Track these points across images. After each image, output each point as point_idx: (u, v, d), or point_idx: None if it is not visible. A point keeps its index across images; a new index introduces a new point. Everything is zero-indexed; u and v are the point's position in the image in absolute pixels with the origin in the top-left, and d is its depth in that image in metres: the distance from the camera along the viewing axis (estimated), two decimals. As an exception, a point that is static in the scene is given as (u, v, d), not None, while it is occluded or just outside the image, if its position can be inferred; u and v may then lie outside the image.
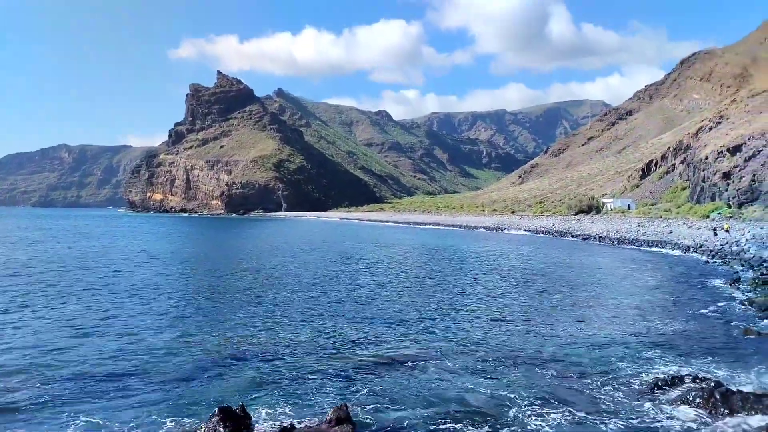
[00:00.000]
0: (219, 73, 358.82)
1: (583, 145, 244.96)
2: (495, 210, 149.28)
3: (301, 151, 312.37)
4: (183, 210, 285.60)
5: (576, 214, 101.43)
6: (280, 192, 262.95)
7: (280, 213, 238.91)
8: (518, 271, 34.14)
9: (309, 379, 12.89)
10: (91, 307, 21.30)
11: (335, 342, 16.18)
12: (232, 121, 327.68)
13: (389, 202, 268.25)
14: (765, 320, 18.60)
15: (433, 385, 12.41)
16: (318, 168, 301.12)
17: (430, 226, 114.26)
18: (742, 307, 20.96)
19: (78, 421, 10.49)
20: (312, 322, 18.93)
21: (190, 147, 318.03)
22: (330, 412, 10.15)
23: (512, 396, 11.61)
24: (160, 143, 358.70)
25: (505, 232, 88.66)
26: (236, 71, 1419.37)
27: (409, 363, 14.04)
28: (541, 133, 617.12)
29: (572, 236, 71.01)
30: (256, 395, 11.87)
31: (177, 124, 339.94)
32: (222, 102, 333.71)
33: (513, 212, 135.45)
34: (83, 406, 11.24)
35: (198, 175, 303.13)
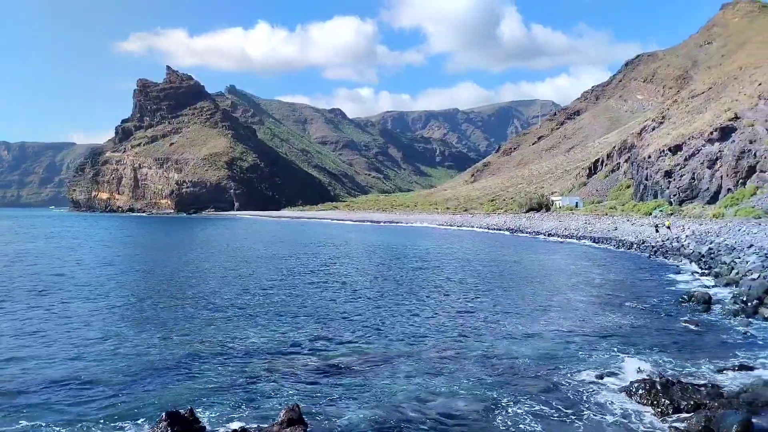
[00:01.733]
0: (168, 68, 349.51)
1: (533, 144, 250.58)
2: (448, 208, 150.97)
3: (254, 149, 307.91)
4: (131, 209, 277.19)
5: (527, 211, 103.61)
6: (232, 191, 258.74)
7: (232, 212, 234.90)
8: (470, 269, 34.66)
9: (262, 381, 12.77)
10: (33, 312, 20.46)
11: (289, 344, 16.06)
12: (183, 118, 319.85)
13: (344, 201, 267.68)
14: (703, 313, 19.49)
15: (386, 385, 12.48)
16: (271, 166, 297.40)
17: (385, 224, 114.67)
18: (682, 300, 21.88)
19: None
20: (265, 324, 18.74)
21: (138, 144, 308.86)
22: (282, 413, 10.07)
23: (463, 395, 11.79)
24: (106, 140, 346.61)
25: (458, 229, 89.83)
26: (186, 67, 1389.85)
27: (363, 363, 14.09)
28: (493, 132, 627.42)
29: (523, 233, 72.58)
30: (207, 399, 11.67)
31: (124, 121, 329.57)
32: (171, 98, 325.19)
33: (466, 210, 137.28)
34: (22, 415, 10.79)
35: (146, 174, 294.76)
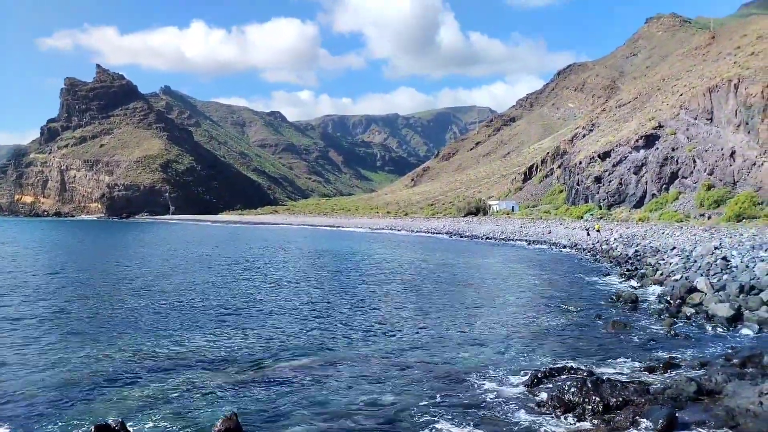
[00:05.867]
0: (98, 66, 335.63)
1: (471, 149, 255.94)
2: (389, 212, 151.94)
3: (191, 151, 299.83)
4: (57, 213, 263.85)
5: (465, 215, 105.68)
6: (167, 194, 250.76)
7: (167, 216, 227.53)
8: (409, 274, 34.96)
9: (199, 391, 12.40)
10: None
11: (229, 353, 15.69)
12: (114, 118, 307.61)
13: (284, 205, 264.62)
14: (630, 313, 20.40)
15: (327, 393, 12.41)
16: (209, 169, 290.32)
17: (326, 229, 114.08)
18: (611, 300, 22.85)
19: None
20: (202, 333, 18.24)
21: (66, 145, 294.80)
22: (218, 423, 9.83)
23: (402, 403, 11.84)
24: (30, 141, 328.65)
25: (399, 233, 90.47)
26: (118, 65, 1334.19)
27: (304, 371, 13.94)
28: (432, 137, 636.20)
29: (462, 237, 73.90)
30: (141, 411, 11.23)
31: (50, 121, 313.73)
32: (102, 98, 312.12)
33: (406, 214, 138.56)
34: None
35: (75, 176, 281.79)
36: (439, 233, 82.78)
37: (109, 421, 9.51)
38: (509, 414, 11.00)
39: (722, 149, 57.52)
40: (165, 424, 10.63)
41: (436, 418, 10.87)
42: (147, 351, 15.70)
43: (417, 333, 18.11)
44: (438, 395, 12.11)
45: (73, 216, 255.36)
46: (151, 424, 10.55)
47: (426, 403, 11.68)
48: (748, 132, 53.72)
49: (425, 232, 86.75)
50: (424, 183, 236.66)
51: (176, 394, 12.18)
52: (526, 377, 12.91)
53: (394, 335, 17.86)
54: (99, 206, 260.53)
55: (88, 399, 11.99)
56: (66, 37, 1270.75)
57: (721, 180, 56.59)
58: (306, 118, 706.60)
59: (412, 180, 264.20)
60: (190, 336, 17.55)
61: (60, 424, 10.70)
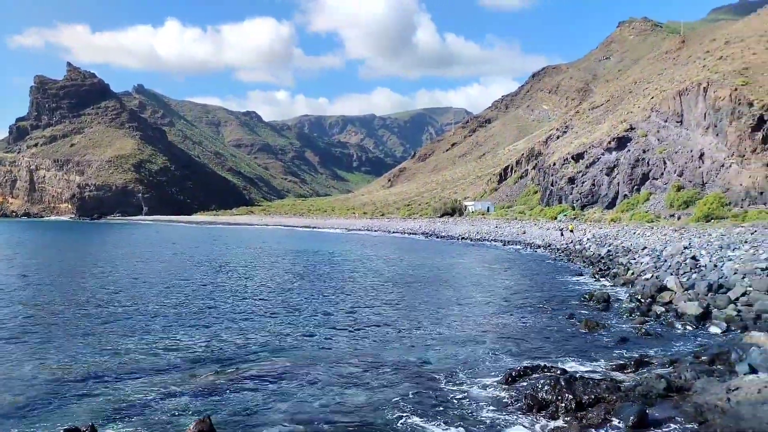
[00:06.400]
0: (69, 64, 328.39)
1: (447, 150, 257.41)
2: (365, 213, 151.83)
3: (164, 151, 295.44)
4: (26, 214, 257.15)
5: (441, 216, 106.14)
6: (140, 195, 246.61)
7: (140, 217, 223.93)
8: (385, 274, 34.99)
9: (172, 394, 12.23)
10: None
11: (202, 354, 15.50)
12: (85, 117, 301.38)
13: (260, 205, 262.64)
14: (603, 312, 20.71)
15: (300, 394, 12.34)
16: (183, 169, 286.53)
17: (302, 229, 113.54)
18: (584, 300, 23.17)
19: None
20: (175, 335, 17.99)
21: (35, 145, 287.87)
22: (192, 426, 9.71)
23: (375, 403, 11.83)
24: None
25: (376, 234, 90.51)
26: (89, 64, 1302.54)
27: (278, 372, 13.85)
28: (408, 138, 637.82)
29: (438, 237, 74.24)
30: (112, 415, 11.03)
31: (19, 120, 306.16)
32: (73, 96, 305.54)
33: (383, 215, 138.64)
34: None
35: (44, 176, 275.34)
36: (415, 234, 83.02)
37: (80, 426, 9.33)
38: (483, 413, 11.07)
39: (692, 151, 58.76)
40: (137, 427, 10.46)
41: (409, 418, 10.88)
42: (118, 354, 15.42)
43: (391, 332, 18.12)
44: (412, 395, 12.14)
45: (42, 216, 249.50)
46: (122, 428, 10.37)
47: (400, 402, 11.69)
48: (717, 134, 54.96)
49: (401, 233, 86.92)
50: (401, 184, 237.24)
51: (149, 397, 11.99)
52: (501, 376, 13.02)
53: (368, 335, 17.84)
54: (69, 207, 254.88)
55: (57, 403, 11.73)
56: (36, 35, 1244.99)
57: (690, 181, 57.80)
58: (282, 118, 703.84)
59: (389, 181, 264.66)
60: (162, 338, 17.29)
61: (28, 430, 10.44)
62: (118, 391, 12.37)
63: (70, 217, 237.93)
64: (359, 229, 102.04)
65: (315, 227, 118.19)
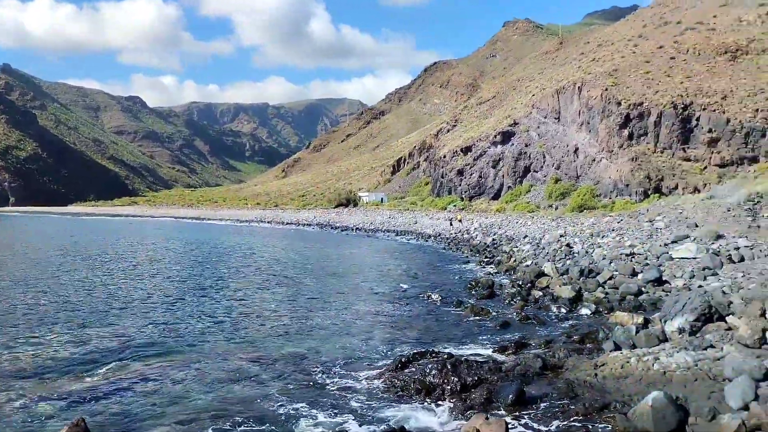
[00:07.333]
0: None
1: (342, 141, 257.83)
2: (259, 203, 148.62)
3: (35, 136, 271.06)
4: None
5: (336, 207, 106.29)
6: (7, 184, 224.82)
7: (7, 208, 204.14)
8: (277, 266, 34.48)
9: (44, 398, 11.29)
10: None
11: (78, 355, 14.41)
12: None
13: (144, 196, 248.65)
14: (488, 298, 21.73)
15: (184, 392, 11.84)
16: (56, 156, 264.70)
17: (191, 221, 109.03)
18: (470, 287, 24.20)
19: None
20: (46, 335, 16.59)
21: None
22: (64, 429, 9.06)
23: (265, 397, 11.61)
24: None
25: (268, 225, 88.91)
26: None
27: (161, 370, 13.21)
28: (303, 128, 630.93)
29: (333, 228, 74.28)
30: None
31: None
32: None
33: (276, 206, 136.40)
34: None
35: None
36: (309, 225, 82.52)
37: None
38: (374, 400, 11.24)
39: (568, 146, 63.14)
40: (-2, 438, 9.57)
41: (300, 410, 10.81)
42: (-23, 359, 13.99)
43: (282, 325, 17.90)
44: (302, 386, 12.07)
45: None
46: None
47: (291, 395, 11.58)
48: (590, 131, 59.44)
49: (296, 224, 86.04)
50: (295, 174, 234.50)
51: (17, 404, 11.00)
52: (390, 362, 13.29)
53: (258, 328, 17.49)
54: None
55: None
56: None
57: (566, 174, 62.13)
58: (169, 104, 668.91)
59: (283, 171, 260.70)
60: (30, 339, 15.89)
61: None
62: (-24, 400, 11.23)
63: None
64: (252, 221, 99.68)
65: (205, 219, 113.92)
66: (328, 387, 12.03)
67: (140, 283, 26.85)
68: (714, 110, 49.67)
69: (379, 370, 12.95)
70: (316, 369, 13.19)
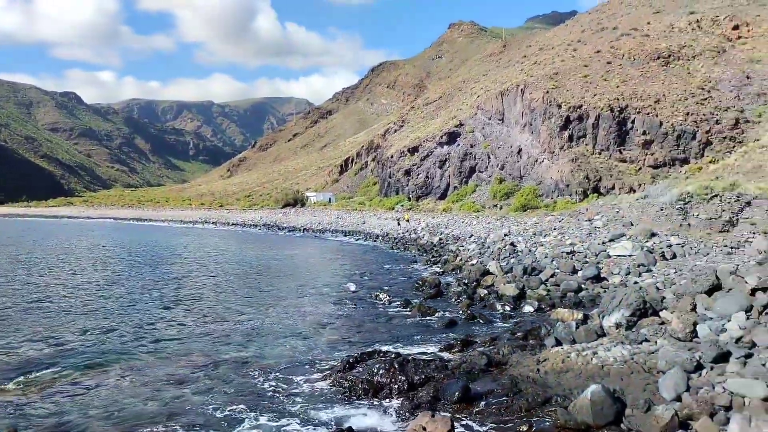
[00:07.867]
0: None
1: (289, 140, 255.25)
2: (203, 204, 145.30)
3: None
4: None
5: (283, 207, 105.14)
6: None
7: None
8: (221, 269, 33.81)
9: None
10: None
11: (8, 364, 13.70)
12: None
13: (81, 196, 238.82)
14: (434, 297, 21.98)
15: (126, 400, 11.44)
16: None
17: (131, 222, 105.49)
18: (417, 286, 24.41)
19: None
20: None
21: None
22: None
23: (210, 403, 11.36)
24: None
25: (213, 226, 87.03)
26: None
27: (100, 378, 12.71)
28: (249, 127, 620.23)
29: (279, 229, 73.41)
30: None
31: None
32: None
33: (221, 206, 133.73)
34: None
35: None
36: (256, 225, 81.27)
37: None
38: (320, 401, 11.18)
39: (511, 147, 64.60)
40: None
41: (242, 414, 10.63)
42: None
43: (225, 329, 17.53)
44: (245, 391, 11.88)
45: None
46: None
47: (233, 399, 11.37)
48: (532, 132, 61.02)
49: (241, 225, 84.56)
50: (241, 174, 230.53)
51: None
52: (338, 363, 13.26)
53: (200, 333, 17.04)
54: None
55: None
56: None
57: (510, 174, 63.55)
58: (107, 101, 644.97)
59: (228, 170, 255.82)
60: (-44, 349, 15.01)
61: None
62: None
63: None
64: (196, 221, 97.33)
65: (147, 219, 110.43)
66: (272, 390, 11.89)
67: (74, 289, 25.72)
68: (648, 113, 51.96)
69: (326, 372, 12.89)
70: (259, 373, 13.00)
